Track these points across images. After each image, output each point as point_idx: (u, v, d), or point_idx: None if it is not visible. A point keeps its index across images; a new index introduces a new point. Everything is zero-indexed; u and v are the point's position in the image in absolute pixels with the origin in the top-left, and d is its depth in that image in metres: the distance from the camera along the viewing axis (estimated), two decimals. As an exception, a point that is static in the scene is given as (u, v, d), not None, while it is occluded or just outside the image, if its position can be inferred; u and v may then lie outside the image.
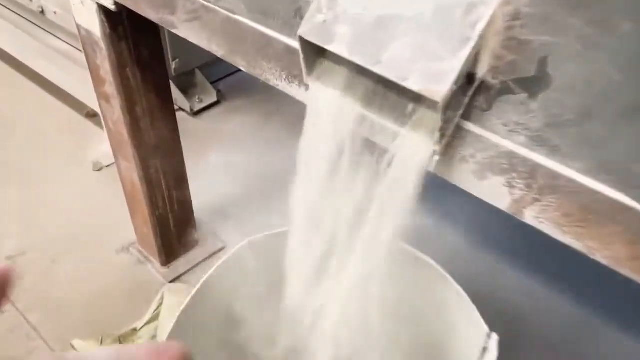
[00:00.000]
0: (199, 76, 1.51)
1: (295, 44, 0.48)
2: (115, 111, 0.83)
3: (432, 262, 0.53)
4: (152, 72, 0.83)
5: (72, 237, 1.12)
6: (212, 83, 1.53)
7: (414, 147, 0.38)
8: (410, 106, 0.39)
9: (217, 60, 1.52)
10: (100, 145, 1.32)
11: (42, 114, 1.47)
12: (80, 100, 1.39)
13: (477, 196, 0.41)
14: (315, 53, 0.43)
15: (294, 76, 0.51)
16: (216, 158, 1.34)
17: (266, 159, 1.32)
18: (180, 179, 0.98)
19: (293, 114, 1.51)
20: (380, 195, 0.40)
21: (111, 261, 1.07)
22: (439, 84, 0.34)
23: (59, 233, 1.13)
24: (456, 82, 0.35)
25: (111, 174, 1.24)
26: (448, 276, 0.52)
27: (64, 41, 1.47)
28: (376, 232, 0.41)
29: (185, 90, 1.50)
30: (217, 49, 0.58)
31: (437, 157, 0.39)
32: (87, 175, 1.29)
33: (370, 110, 0.41)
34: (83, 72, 1.01)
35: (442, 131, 0.37)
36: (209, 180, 1.26)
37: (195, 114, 1.49)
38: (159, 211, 0.97)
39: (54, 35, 1.50)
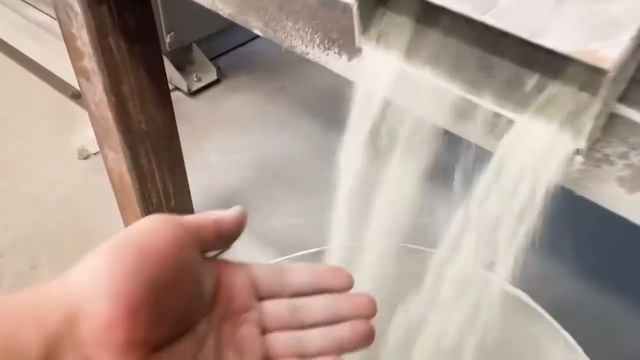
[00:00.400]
0: (197, 52, 1.35)
1: (336, -7, 0.34)
2: (97, 91, 0.69)
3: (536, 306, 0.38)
4: (141, 44, 0.69)
5: (54, 237, 0.99)
6: (211, 60, 1.38)
7: (540, 146, 0.24)
8: (534, 79, 0.25)
9: (217, 34, 1.37)
10: (86, 129, 1.18)
11: (22, 95, 1.32)
12: (64, 79, 1.25)
13: (623, 215, 0.27)
14: (374, 0, 0.29)
15: (332, 40, 0.37)
16: (217, 143, 1.20)
17: (271, 144, 1.18)
18: (176, 169, 0.85)
19: (300, 92, 1.37)
20: (480, 221, 0.27)
21: (99, 264, 0.94)
22: (606, 41, 0.21)
23: (39, 233, 0.99)
24: (636, 38, 0.21)
25: (99, 163, 1.09)
26: (560, 328, 0.39)
27: (47, 14, 1.33)
28: (468, 271, 0.28)
29: (182, 68, 1.35)
30: (223, 7, 0.43)
31: (579, 160, 0.26)
32: (72, 164, 1.15)
33: (464, 87, 0.27)
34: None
35: (598, 119, 0.23)
36: (209, 169, 1.13)
37: (193, 93, 1.34)
38: (153, 207, 0.83)
39: (35, 7, 1.35)
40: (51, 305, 0.22)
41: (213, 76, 1.37)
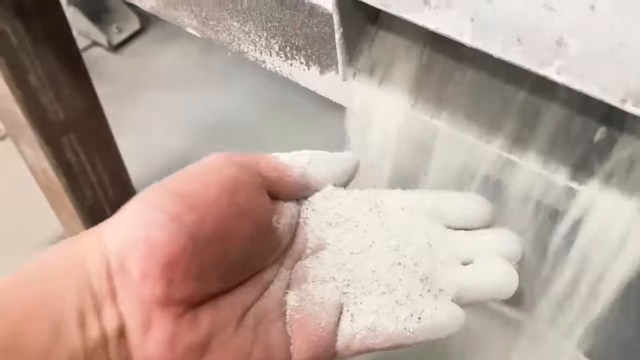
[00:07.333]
0: (112, -2, 1.20)
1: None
2: (-2, 83, 0.57)
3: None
4: (40, 18, 0.56)
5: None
6: (130, 5, 1.22)
7: (616, 228, 0.18)
8: (600, 132, 0.18)
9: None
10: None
11: None
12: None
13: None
14: (366, 18, 0.20)
15: (296, 48, 0.28)
16: (149, 106, 1.08)
17: (211, 101, 1.08)
18: (109, 154, 0.74)
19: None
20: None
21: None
22: None
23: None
24: None
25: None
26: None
27: None
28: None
29: (98, 18, 1.19)
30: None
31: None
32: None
33: (498, 141, 0.20)
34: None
35: None
36: (145, 136, 1.02)
37: (115, 48, 1.19)
38: (88, 202, 0.73)
39: None
40: (90, 260, 0.19)
41: (136, 25, 1.21)
